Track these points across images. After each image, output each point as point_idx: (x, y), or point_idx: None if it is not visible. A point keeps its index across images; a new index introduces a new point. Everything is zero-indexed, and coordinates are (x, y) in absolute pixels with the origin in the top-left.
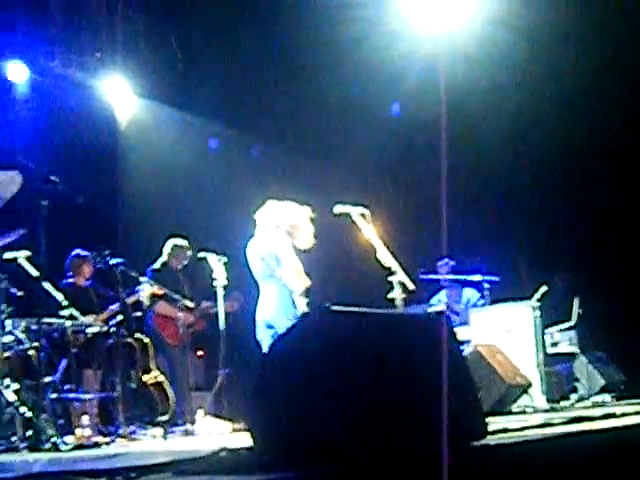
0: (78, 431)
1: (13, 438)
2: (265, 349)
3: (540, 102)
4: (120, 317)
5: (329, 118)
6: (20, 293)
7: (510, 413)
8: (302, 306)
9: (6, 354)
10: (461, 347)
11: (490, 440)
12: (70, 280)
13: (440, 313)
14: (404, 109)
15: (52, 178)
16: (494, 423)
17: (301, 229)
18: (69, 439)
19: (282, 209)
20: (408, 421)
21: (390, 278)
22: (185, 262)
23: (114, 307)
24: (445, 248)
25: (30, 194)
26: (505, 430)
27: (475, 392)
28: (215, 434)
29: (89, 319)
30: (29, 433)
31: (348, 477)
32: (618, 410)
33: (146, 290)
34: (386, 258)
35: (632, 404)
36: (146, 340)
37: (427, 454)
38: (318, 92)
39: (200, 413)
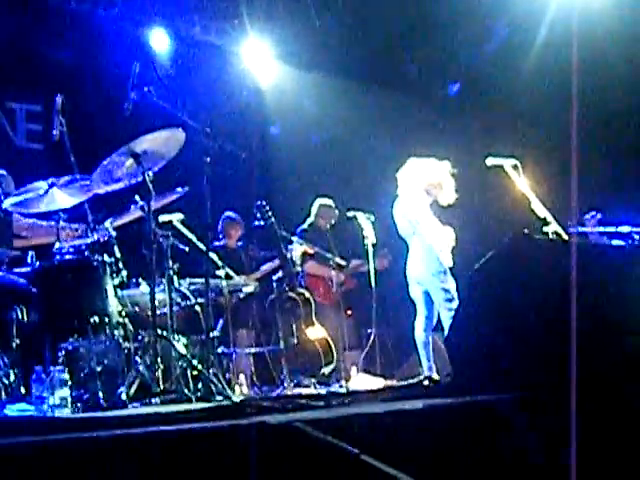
0: (236, 388)
1: (185, 390)
2: (418, 306)
3: None
4: (280, 273)
5: (475, 71)
6: (187, 249)
7: None
8: (448, 261)
9: (175, 309)
10: None
11: None
12: (221, 242)
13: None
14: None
15: (207, 130)
16: None
17: (442, 186)
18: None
19: (421, 168)
20: (609, 356)
21: (545, 229)
22: (333, 221)
23: (266, 267)
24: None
25: (193, 152)
26: None
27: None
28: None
29: (242, 279)
30: (200, 386)
31: (539, 403)
32: None
33: (297, 249)
34: (540, 209)
35: None
36: (307, 294)
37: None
38: (461, 45)
39: (354, 370)
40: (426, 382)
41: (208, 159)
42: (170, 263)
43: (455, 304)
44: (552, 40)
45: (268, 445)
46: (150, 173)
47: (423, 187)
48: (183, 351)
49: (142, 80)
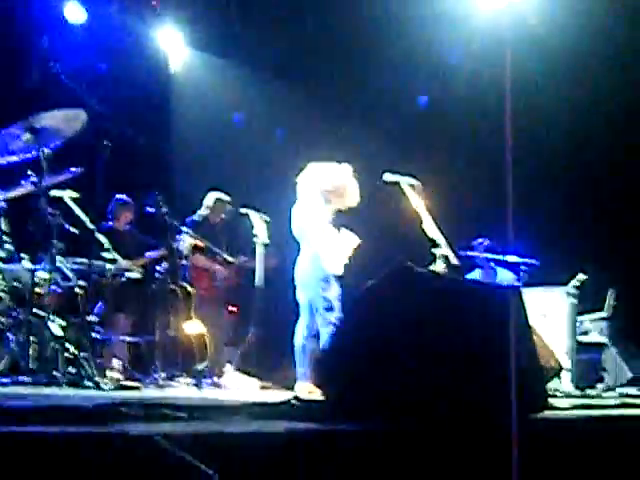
0: (108, 372)
1: (55, 373)
2: (301, 311)
3: (612, 92)
4: (164, 264)
5: (382, 83)
6: (75, 230)
7: None
8: (335, 269)
9: (55, 289)
10: None
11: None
12: (110, 223)
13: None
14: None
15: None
16: None
17: (345, 188)
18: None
19: (319, 172)
20: (476, 386)
21: (434, 250)
22: (224, 216)
23: (152, 254)
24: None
25: (93, 133)
26: (552, 407)
27: (539, 364)
28: (244, 389)
29: (126, 264)
30: (71, 369)
31: (416, 434)
32: None
33: (186, 240)
34: (432, 230)
35: None
36: (190, 289)
37: (493, 421)
38: (374, 52)
39: (228, 367)
40: (294, 401)
41: (107, 142)
42: (55, 242)
43: (334, 315)
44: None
45: (124, 458)
46: (46, 150)
47: (320, 192)
48: (57, 332)
49: (50, 54)
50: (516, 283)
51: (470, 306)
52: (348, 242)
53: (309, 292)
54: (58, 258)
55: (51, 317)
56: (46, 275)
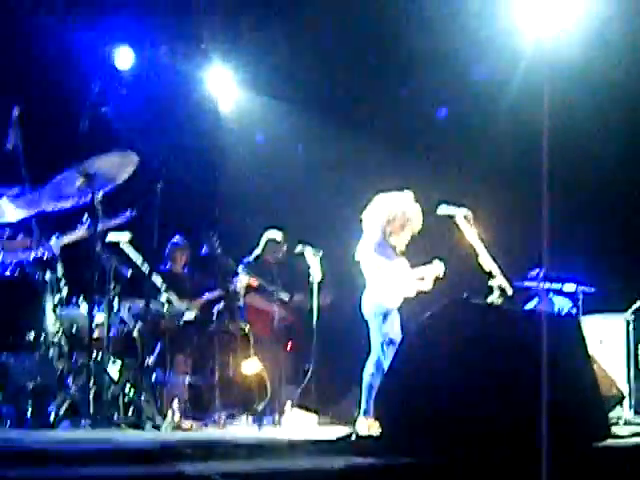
0: (169, 413)
1: (115, 416)
2: (371, 345)
3: None
4: (222, 304)
5: (429, 117)
6: (130, 272)
7: None
8: (392, 303)
9: (112, 333)
10: None
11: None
12: (167, 266)
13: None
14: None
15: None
16: None
17: (405, 216)
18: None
19: (382, 203)
20: (533, 418)
21: (490, 282)
22: (279, 256)
23: (209, 295)
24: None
25: (145, 177)
26: (615, 436)
27: (600, 393)
28: (302, 426)
29: (183, 304)
30: (131, 412)
31: (469, 467)
32: None
33: (242, 280)
34: (487, 261)
35: None
36: (247, 329)
37: (554, 452)
38: (418, 88)
39: (288, 405)
40: (353, 437)
41: (160, 185)
42: (112, 285)
43: (392, 350)
44: (525, 91)
45: None
46: (99, 194)
47: (380, 224)
48: (116, 376)
49: (102, 100)
50: (574, 311)
51: (526, 336)
52: (409, 274)
53: (372, 327)
54: (116, 301)
55: (110, 360)
56: (103, 319)
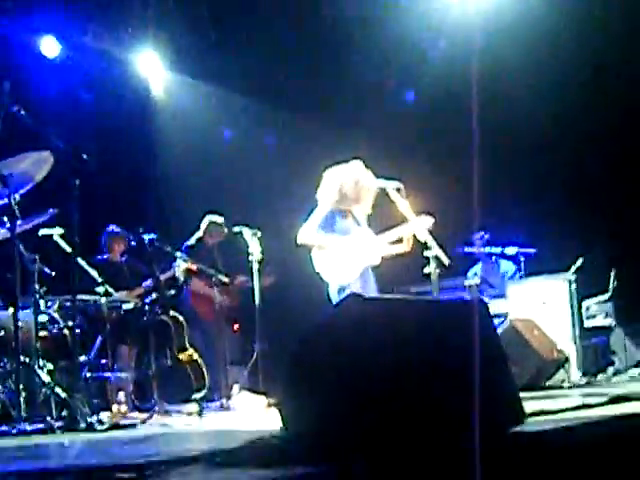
0: (114, 407)
1: (48, 418)
2: None
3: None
4: (155, 295)
5: (358, 90)
6: (53, 274)
7: (546, 388)
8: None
9: (41, 334)
10: (498, 320)
11: (526, 425)
12: (104, 256)
13: (473, 299)
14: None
15: (83, 157)
16: (530, 400)
17: (361, 183)
18: (105, 416)
19: (333, 177)
20: (440, 411)
21: (425, 253)
22: (220, 239)
23: (148, 283)
24: (479, 220)
25: (62, 173)
26: (542, 412)
27: (511, 378)
28: (250, 409)
29: (122, 295)
30: (64, 413)
31: (378, 467)
32: None
33: (181, 266)
34: (421, 233)
35: None
36: (180, 318)
37: (460, 445)
38: (347, 65)
39: (236, 388)
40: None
41: (77, 181)
42: (37, 287)
43: None
44: (453, 54)
45: None
46: (16, 196)
47: (333, 197)
48: (46, 378)
49: (13, 98)
50: (518, 274)
51: (427, 325)
52: (380, 239)
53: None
54: (41, 302)
55: (39, 363)
56: (31, 321)
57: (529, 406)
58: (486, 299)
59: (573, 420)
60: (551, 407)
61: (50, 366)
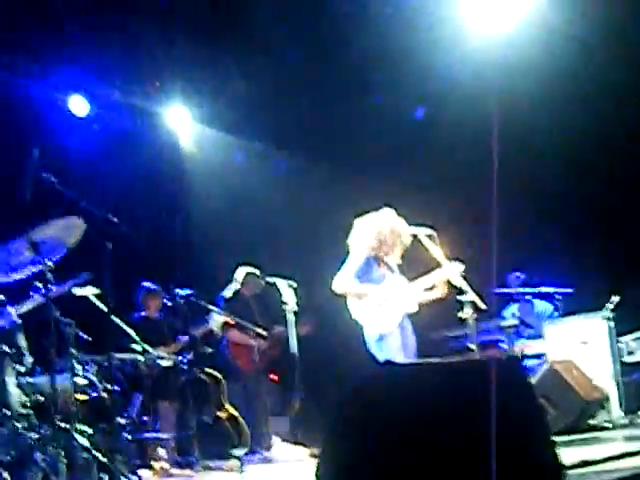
0: (155, 464)
1: None
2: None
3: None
4: (192, 352)
5: (389, 138)
6: (89, 339)
7: (588, 430)
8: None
9: (80, 397)
10: (536, 361)
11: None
12: (142, 313)
13: (513, 358)
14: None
15: (114, 220)
16: (571, 445)
17: (397, 231)
18: (146, 473)
19: (368, 225)
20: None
21: (460, 297)
22: (257, 290)
23: (184, 338)
24: (514, 261)
25: (95, 237)
26: (584, 463)
27: (550, 440)
28: (292, 460)
29: (160, 351)
30: (106, 477)
31: None
32: None
33: (216, 319)
34: (455, 278)
35: None
36: (219, 376)
37: None
38: (376, 110)
39: (277, 439)
40: None
41: (110, 245)
42: (73, 351)
43: None
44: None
45: None
46: (49, 262)
47: (370, 246)
48: (85, 442)
49: (42, 164)
50: (555, 314)
51: (469, 389)
52: (413, 286)
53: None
54: (77, 367)
55: (78, 427)
56: (69, 385)
57: (571, 453)
58: (524, 340)
59: (614, 472)
60: (593, 455)
61: (89, 430)
